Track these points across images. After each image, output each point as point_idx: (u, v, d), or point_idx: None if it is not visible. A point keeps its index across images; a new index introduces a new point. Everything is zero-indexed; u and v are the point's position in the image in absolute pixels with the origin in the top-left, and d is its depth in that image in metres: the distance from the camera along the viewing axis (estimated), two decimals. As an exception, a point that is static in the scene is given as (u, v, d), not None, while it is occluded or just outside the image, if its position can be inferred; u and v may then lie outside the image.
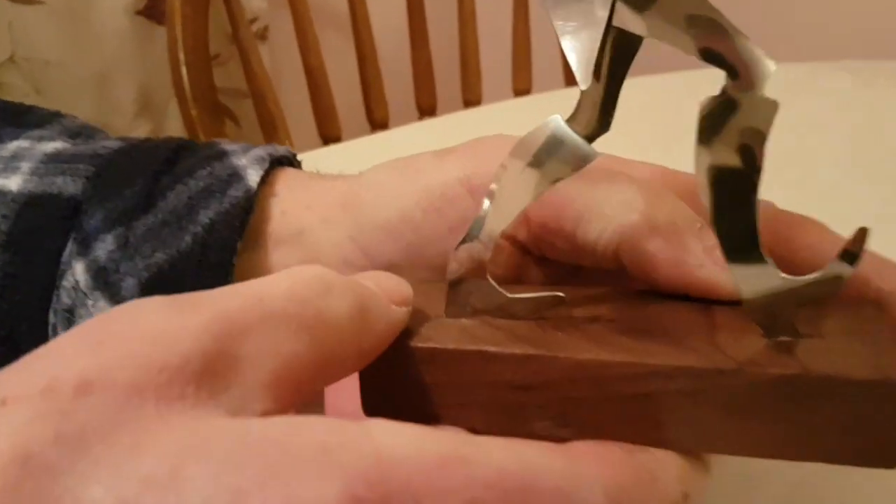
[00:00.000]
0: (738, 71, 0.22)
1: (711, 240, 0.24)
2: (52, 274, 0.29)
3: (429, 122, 0.82)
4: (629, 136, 0.35)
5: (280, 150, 0.32)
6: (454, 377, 0.23)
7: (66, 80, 0.99)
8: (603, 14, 0.22)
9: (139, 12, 1.07)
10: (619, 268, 0.27)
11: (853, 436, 0.21)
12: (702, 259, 0.25)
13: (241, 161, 0.30)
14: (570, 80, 1.07)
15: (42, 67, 0.96)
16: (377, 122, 1.11)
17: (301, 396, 0.20)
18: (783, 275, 0.22)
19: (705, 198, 0.22)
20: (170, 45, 0.87)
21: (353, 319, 0.21)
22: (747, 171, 0.22)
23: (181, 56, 0.87)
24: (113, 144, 0.32)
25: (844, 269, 0.22)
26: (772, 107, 0.22)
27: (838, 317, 0.24)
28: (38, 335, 0.29)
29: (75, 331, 0.19)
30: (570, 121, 0.24)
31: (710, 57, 0.22)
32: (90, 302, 0.29)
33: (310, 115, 1.05)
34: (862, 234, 0.22)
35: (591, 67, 0.22)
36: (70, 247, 0.29)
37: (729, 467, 0.31)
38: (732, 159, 0.22)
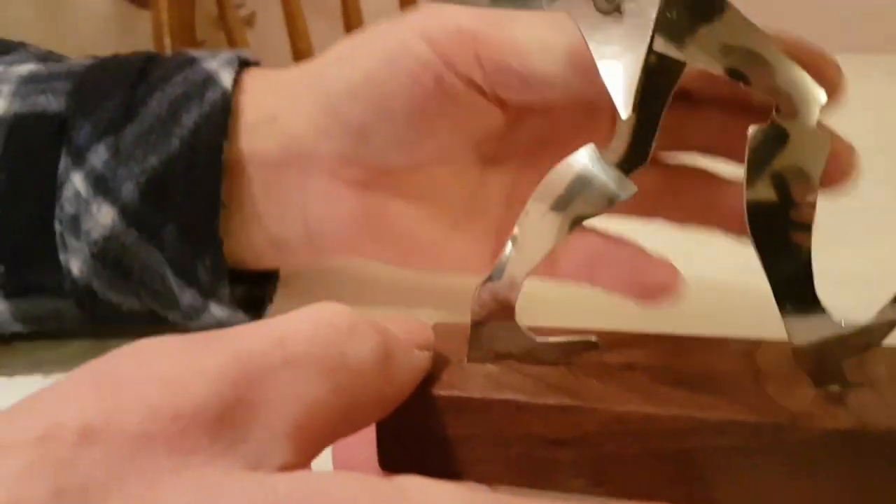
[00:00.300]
0: (781, 100, 0.20)
1: None
2: (52, 188, 0.31)
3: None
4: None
5: (245, 52, 0.34)
6: (480, 429, 0.22)
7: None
8: (644, 39, 0.21)
9: (122, -4, 1.04)
10: (580, 99, 0.27)
11: None
12: None
13: (212, 65, 0.32)
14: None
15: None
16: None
17: (321, 448, 0.19)
18: (834, 320, 0.21)
19: (753, 239, 0.21)
20: (155, 30, 0.85)
21: (377, 364, 0.19)
22: (798, 209, 0.20)
23: (167, 41, 0.85)
24: (85, 62, 0.34)
25: None
26: (824, 139, 0.20)
27: (885, 363, 0.22)
28: (47, 245, 0.31)
29: (79, 372, 0.17)
30: (607, 150, 0.22)
31: (752, 85, 0.21)
32: (94, 207, 0.31)
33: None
34: None
35: (633, 95, 0.21)
36: (64, 161, 0.31)
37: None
38: (781, 196, 0.20)
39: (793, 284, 0.21)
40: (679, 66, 0.21)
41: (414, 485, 0.17)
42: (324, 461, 0.19)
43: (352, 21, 1.08)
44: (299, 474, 0.17)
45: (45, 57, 0.35)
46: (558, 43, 0.26)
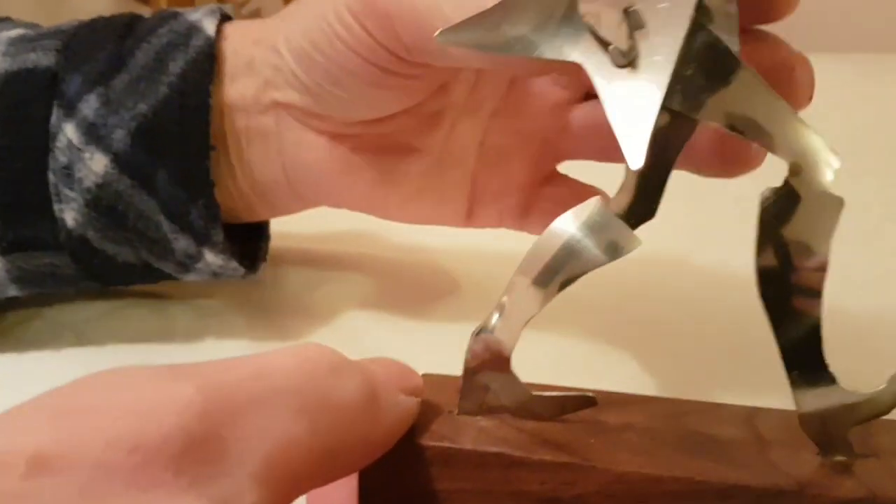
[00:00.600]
0: (794, 162, 0.20)
1: None
2: (44, 140, 0.31)
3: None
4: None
5: (225, 7, 0.34)
6: (469, 483, 0.20)
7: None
8: (657, 95, 0.21)
9: (122, -9, 1.03)
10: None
11: None
12: None
13: (195, 16, 0.33)
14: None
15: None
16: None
17: (298, 487, 0.17)
18: (842, 388, 0.20)
19: (764, 304, 0.20)
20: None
21: (361, 405, 0.18)
22: (807, 277, 0.20)
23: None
24: (73, 23, 0.34)
25: None
26: (834, 204, 0.20)
27: (890, 434, 0.22)
28: (41, 196, 0.32)
29: (37, 399, 0.16)
30: (613, 202, 0.22)
31: (765, 145, 0.21)
32: (86, 155, 0.31)
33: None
34: None
35: (644, 148, 0.21)
36: (56, 113, 0.31)
37: None
38: (790, 263, 0.20)
39: (801, 351, 0.20)
40: (691, 123, 0.21)
41: None
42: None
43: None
44: None
45: (33, 25, 0.36)
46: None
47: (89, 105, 0.31)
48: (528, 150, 0.33)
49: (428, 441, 0.21)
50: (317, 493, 0.21)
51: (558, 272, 0.21)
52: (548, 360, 0.31)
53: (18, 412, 0.16)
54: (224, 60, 0.32)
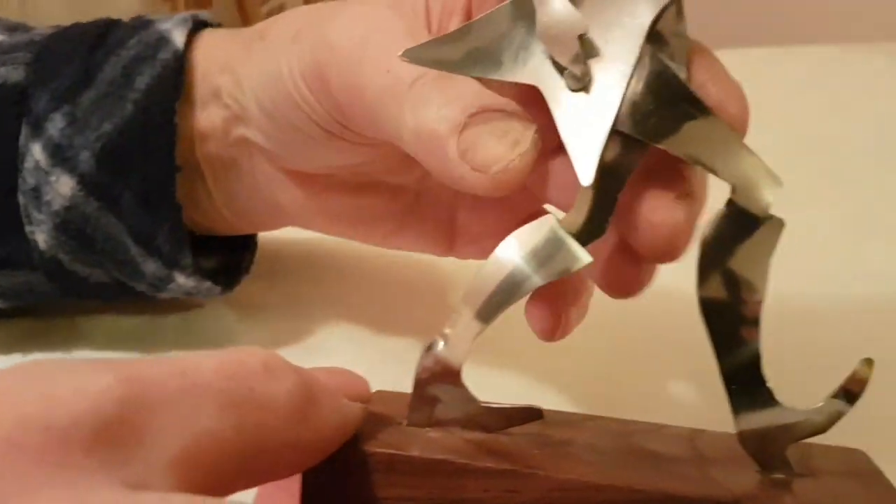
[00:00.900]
0: (736, 186, 0.21)
1: (468, 141, 0.23)
2: (13, 159, 0.31)
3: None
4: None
5: (202, 14, 0.33)
6: (415, 490, 0.20)
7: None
8: (608, 117, 0.22)
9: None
10: None
11: None
12: (457, 165, 0.23)
13: (166, 25, 0.32)
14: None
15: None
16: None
17: (222, 483, 0.17)
18: (781, 407, 0.21)
19: (712, 338, 0.21)
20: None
21: (292, 405, 0.18)
22: (746, 305, 0.21)
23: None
24: (47, 31, 0.33)
25: (844, 407, 0.21)
26: (774, 227, 0.21)
27: (828, 458, 0.22)
28: (12, 220, 0.31)
29: None
30: (566, 220, 0.22)
31: (709, 169, 0.22)
32: (52, 178, 0.31)
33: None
34: (864, 371, 0.21)
35: (594, 166, 0.21)
36: (24, 132, 0.31)
37: None
38: (731, 291, 0.21)
39: (742, 373, 0.21)
40: (641, 146, 0.22)
41: None
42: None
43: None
44: (173, 496, 0.15)
45: (14, 27, 0.35)
46: (403, 95, 0.25)
47: (55, 125, 0.31)
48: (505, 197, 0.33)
49: (374, 448, 0.21)
50: (264, 491, 0.21)
51: (501, 305, 0.22)
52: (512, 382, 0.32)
53: None
54: (193, 84, 0.31)
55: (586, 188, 0.22)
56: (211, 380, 0.17)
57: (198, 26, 0.32)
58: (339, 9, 0.28)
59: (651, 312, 0.31)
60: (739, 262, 0.21)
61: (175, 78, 0.30)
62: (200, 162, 0.32)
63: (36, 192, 0.31)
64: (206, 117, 0.31)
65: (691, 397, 0.31)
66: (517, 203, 0.31)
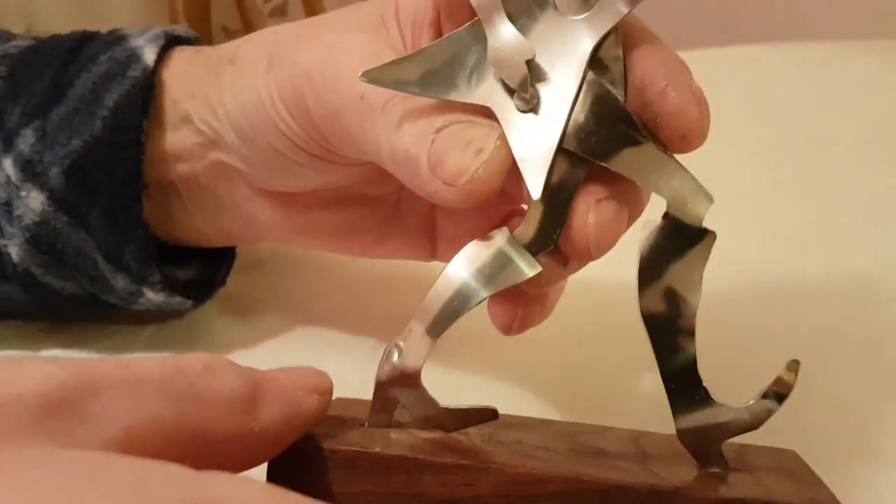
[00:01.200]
0: (670, 201, 0.23)
1: (435, 156, 0.24)
2: None
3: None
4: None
5: (178, 29, 0.33)
6: (374, 486, 0.22)
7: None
8: (554, 137, 0.23)
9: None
10: None
11: None
12: (430, 181, 0.24)
13: (139, 42, 0.32)
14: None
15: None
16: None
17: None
18: (717, 405, 0.22)
19: (653, 342, 0.23)
20: (170, 14, 0.79)
21: (234, 398, 0.19)
22: (689, 308, 0.23)
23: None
24: (23, 43, 0.33)
25: (773, 405, 0.22)
26: (709, 238, 0.23)
27: (761, 457, 0.24)
28: None
29: None
30: (518, 232, 0.24)
31: (645, 186, 0.23)
32: (23, 194, 0.31)
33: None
34: (789, 375, 0.22)
35: (542, 181, 0.23)
36: None
37: None
38: (668, 302, 0.23)
39: (680, 376, 0.23)
40: (586, 162, 0.24)
41: (222, 479, 0.16)
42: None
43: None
44: (93, 452, 0.16)
45: None
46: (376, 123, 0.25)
47: (26, 140, 0.31)
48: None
49: (336, 446, 0.22)
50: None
51: (450, 320, 0.23)
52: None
53: None
54: (164, 107, 0.31)
55: (536, 202, 0.23)
56: (154, 373, 0.18)
57: (171, 42, 0.32)
58: (310, 32, 0.29)
59: (615, 303, 0.32)
60: (675, 274, 0.23)
61: (143, 96, 0.31)
62: (175, 181, 0.32)
63: (8, 207, 0.31)
64: (178, 139, 0.32)
65: (648, 387, 0.32)
66: (493, 204, 0.31)
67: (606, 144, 0.23)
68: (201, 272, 0.35)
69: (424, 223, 0.33)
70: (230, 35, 0.66)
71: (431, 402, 0.23)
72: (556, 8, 0.24)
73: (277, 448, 0.20)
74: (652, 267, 0.23)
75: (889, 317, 0.36)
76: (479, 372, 0.33)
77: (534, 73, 0.23)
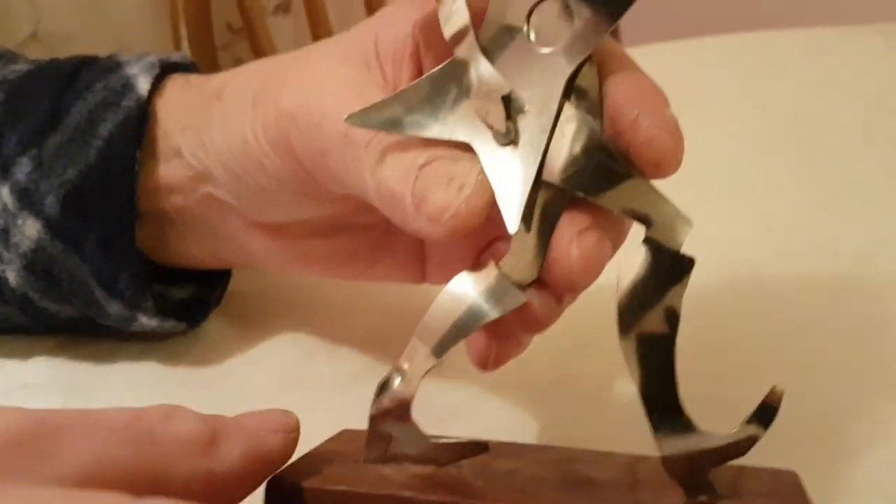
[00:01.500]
0: (649, 227, 0.23)
1: (419, 194, 0.24)
2: None
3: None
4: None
5: (174, 56, 0.33)
6: None
7: (87, 53, 0.94)
8: (532, 169, 0.23)
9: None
10: None
11: None
12: (415, 218, 0.24)
13: (133, 70, 0.32)
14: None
15: (65, 42, 0.91)
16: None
17: None
18: (701, 433, 0.22)
19: (633, 371, 0.22)
20: (171, 16, 0.79)
21: (192, 440, 0.20)
22: (668, 335, 0.22)
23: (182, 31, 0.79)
24: (22, 68, 0.34)
25: (759, 431, 0.22)
26: (684, 267, 0.23)
27: (757, 481, 0.24)
28: None
29: None
30: (503, 264, 0.24)
31: (622, 212, 0.23)
32: (19, 221, 0.32)
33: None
34: (775, 398, 0.22)
35: (519, 214, 0.23)
36: None
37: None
38: (649, 329, 0.23)
39: (662, 402, 0.23)
40: (565, 194, 0.24)
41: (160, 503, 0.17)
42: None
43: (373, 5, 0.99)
44: (37, 487, 0.17)
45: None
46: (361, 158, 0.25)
47: (22, 168, 0.31)
48: None
49: (326, 485, 0.22)
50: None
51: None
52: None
53: None
54: (156, 137, 0.32)
55: (517, 234, 0.23)
56: (114, 420, 0.20)
57: (167, 69, 0.33)
58: (294, 70, 0.29)
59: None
60: (654, 301, 0.22)
61: (137, 127, 0.31)
62: (169, 211, 0.33)
63: (5, 234, 0.32)
64: (170, 171, 0.32)
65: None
66: (480, 231, 0.30)
67: (584, 175, 0.23)
68: (197, 291, 0.36)
69: (413, 248, 0.33)
70: (234, 32, 0.67)
71: (423, 437, 0.24)
72: (530, 39, 0.24)
73: (245, 488, 0.21)
74: (631, 295, 0.23)
75: (883, 300, 0.36)
76: (477, 381, 0.32)
77: (511, 106, 0.23)
